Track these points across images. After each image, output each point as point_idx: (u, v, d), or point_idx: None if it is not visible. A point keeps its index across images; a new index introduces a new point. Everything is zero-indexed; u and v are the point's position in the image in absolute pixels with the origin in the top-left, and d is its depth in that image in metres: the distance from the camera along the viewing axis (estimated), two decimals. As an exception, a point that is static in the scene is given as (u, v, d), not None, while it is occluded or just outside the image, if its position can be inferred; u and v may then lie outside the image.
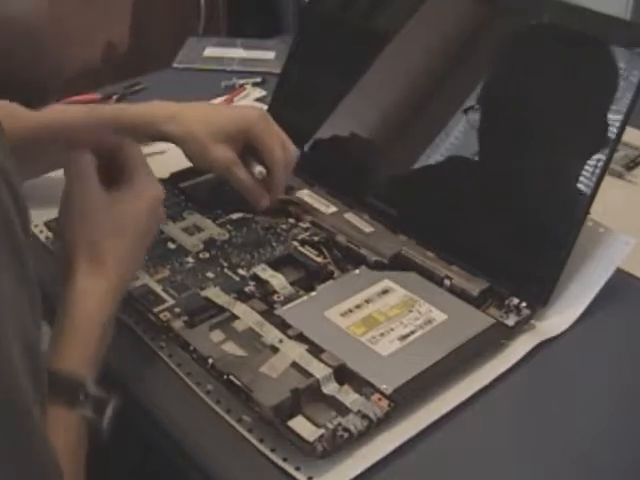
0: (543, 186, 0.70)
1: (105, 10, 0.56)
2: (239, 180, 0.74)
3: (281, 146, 0.75)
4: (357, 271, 0.71)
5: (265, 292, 0.67)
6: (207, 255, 0.72)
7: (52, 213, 0.76)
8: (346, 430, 0.54)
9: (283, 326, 0.63)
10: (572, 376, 0.63)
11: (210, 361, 0.59)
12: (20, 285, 0.43)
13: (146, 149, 0.92)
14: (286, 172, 0.76)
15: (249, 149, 0.75)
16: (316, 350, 0.60)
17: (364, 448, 0.55)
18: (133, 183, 0.61)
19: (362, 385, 0.58)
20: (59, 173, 0.83)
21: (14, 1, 0.49)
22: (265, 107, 0.91)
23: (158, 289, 0.67)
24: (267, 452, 0.55)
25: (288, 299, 0.67)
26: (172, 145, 0.91)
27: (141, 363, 0.63)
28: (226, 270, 0.70)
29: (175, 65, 1.18)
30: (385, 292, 0.68)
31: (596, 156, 0.66)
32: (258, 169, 0.74)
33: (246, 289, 0.67)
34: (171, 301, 0.65)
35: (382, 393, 0.57)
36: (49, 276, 0.72)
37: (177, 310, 0.64)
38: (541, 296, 0.67)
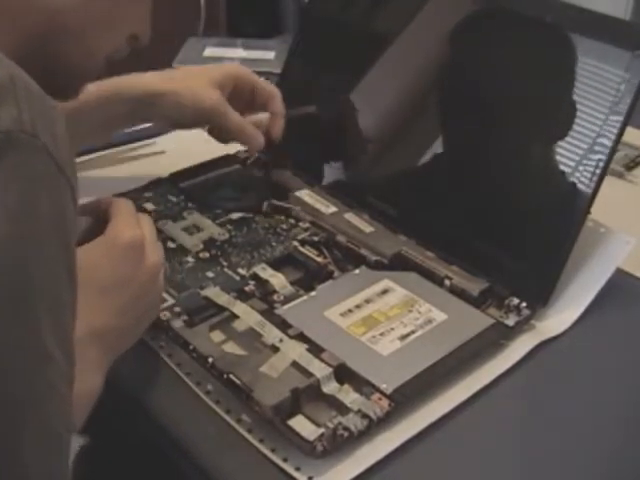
0: (543, 186, 0.70)
1: (128, 2, 0.57)
2: (233, 120, 0.75)
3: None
4: (357, 271, 0.71)
5: (265, 292, 0.67)
6: (207, 255, 0.72)
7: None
8: (346, 429, 0.54)
9: (283, 326, 0.62)
10: (572, 376, 0.63)
11: (210, 360, 0.59)
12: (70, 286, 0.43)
13: (146, 149, 0.93)
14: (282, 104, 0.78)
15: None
16: (316, 350, 0.60)
17: (364, 448, 0.55)
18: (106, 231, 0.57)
19: (362, 385, 0.58)
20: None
21: None
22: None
23: (158, 289, 0.67)
24: (267, 452, 0.54)
25: (288, 299, 0.67)
26: (172, 145, 0.91)
27: (141, 363, 0.63)
28: (226, 270, 0.70)
29: (175, 65, 1.18)
30: (385, 292, 0.68)
31: (596, 157, 0.66)
32: (260, 115, 0.76)
33: (246, 289, 0.67)
34: (171, 300, 0.65)
35: (382, 393, 0.57)
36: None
37: (177, 309, 0.64)
38: (541, 296, 0.67)
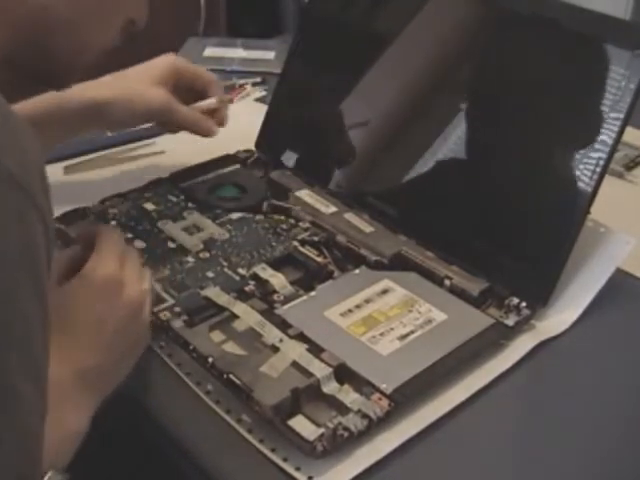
0: (543, 186, 0.70)
1: None
2: (183, 114, 0.77)
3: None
4: (357, 271, 0.71)
5: (265, 292, 0.67)
6: (207, 255, 0.72)
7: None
8: (346, 429, 0.54)
9: (283, 325, 0.62)
10: (572, 376, 0.63)
11: (210, 360, 0.59)
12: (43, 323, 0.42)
13: (146, 149, 0.93)
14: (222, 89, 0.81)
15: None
16: (316, 350, 0.60)
17: (364, 448, 0.55)
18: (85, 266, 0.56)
19: (362, 384, 0.58)
20: (60, 175, 0.83)
21: None
22: (265, 107, 0.91)
23: (158, 288, 0.67)
24: (267, 452, 0.55)
25: (288, 299, 0.67)
26: (172, 145, 0.91)
27: (141, 363, 0.63)
28: (226, 270, 0.70)
29: (175, 65, 1.18)
30: (385, 292, 0.68)
31: (596, 156, 0.66)
32: (207, 101, 0.79)
33: (246, 288, 0.67)
34: (171, 300, 0.65)
35: (382, 392, 0.57)
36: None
37: (177, 309, 0.64)
38: (541, 296, 0.67)
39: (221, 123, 0.81)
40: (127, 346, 0.57)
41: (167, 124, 0.80)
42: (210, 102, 0.80)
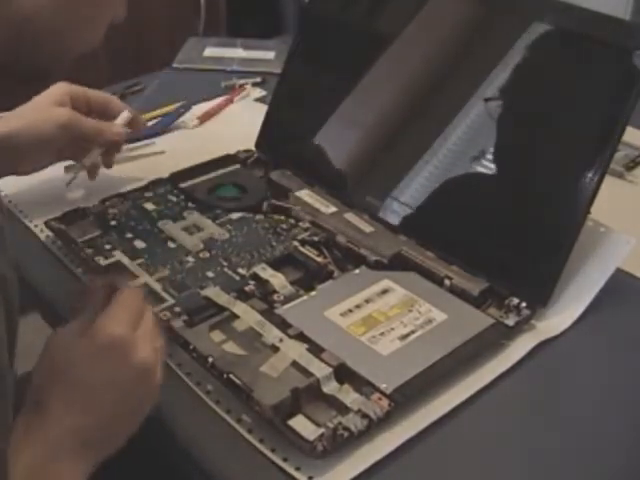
0: (543, 186, 0.70)
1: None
2: (91, 123, 0.79)
3: None
4: (357, 271, 0.71)
5: (265, 291, 0.67)
6: (207, 255, 0.72)
7: (52, 213, 0.77)
8: (346, 429, 0.54)
9: (283, 325, 0.63)
10: (572, 376, 0.63)
11: (210, 360, 0.59)
12: None
13: (146, 149, 0.93)
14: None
15: None
16: (316, 349, 0.60)
17: (364, 448, 0.55)
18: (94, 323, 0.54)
19: (362, 384, 0.58)
20: (60, 175, 0.83)
21: None
22: (265, 107, 0.91)
23: (158, 288, 0.67)
24: (267, 452, 0.55)
25: (288, 299, 0.67)
26: (172, 145, 0.91)
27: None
28: (226, 269, 0.70)
29: (175, 65, 1.18)
30: (385, 292, 0.68)
31: (596, 156, 0.66)
32: (121, 116, 0.81)
33: (246, 288, 0.67)
34: (171, 300, 0.65)
35: (382, 392, 0.57)
36: (48, 276, 0.73)
37: (177, 309, 0.64)
38: (541, 296, 0.67)
39: (139, 130, 0.84)
40: (133, 407, 0.55)
41: (76, 139, 0.80)
42: (124, 116, 0.81)
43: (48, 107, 0.78)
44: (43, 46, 0.52)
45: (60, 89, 0.80)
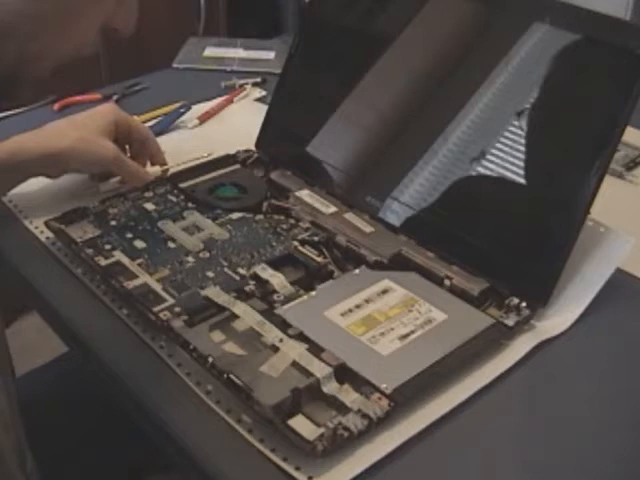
0: (543, 186, 0.70)
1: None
2: (131, 167, 0.81)
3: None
4: (357, 271, 0.71)
5: (265, 291, 0.67)
6: (207, 254, 0.72)
7: (52, 213, 0.76)
8: (346, 429, 0.54)
9: (283, 325, 0.62)
10: (572, 376, 0.63)
11: (210, 360, 0.59)
12: None
13: (146, 149, 0.93)
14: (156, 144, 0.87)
15: None
16: (316, 349, 0.60)
17: (364, 448, 0.55)
18: None
19: (362, 384, 0.58)
20: (59, 179, 0.83)
21: None
22: (265, 107, 0.91)
23: (158, 288, 0.67)
24: (267, 452, 0.54)
25: (288, 298, 0.67)
26: (172, 145, 0.91)
27: (141, 363, 0.63)
28: (226, 269, 0.70)
29: (175, 65, 1.18)
30: (385, 292, 0.68)
31: (596, 156, 0.66)
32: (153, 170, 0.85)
33: (246, 288, 0.67)
34: (171, 300, 0.65)
35: (382, 392, 0.57)
36: (48, 276, 0.73)
37: (177, 309, 0.64)
38: (541, 296, 0.67)
39: (156, 159, 0.87)
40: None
41: (112, 174, 0.83)
42: (156, 170, 0.86)
43: (95, 134, 0.79)
44: (6, 50, 0.51)
45: (107, 117, 0.81)
